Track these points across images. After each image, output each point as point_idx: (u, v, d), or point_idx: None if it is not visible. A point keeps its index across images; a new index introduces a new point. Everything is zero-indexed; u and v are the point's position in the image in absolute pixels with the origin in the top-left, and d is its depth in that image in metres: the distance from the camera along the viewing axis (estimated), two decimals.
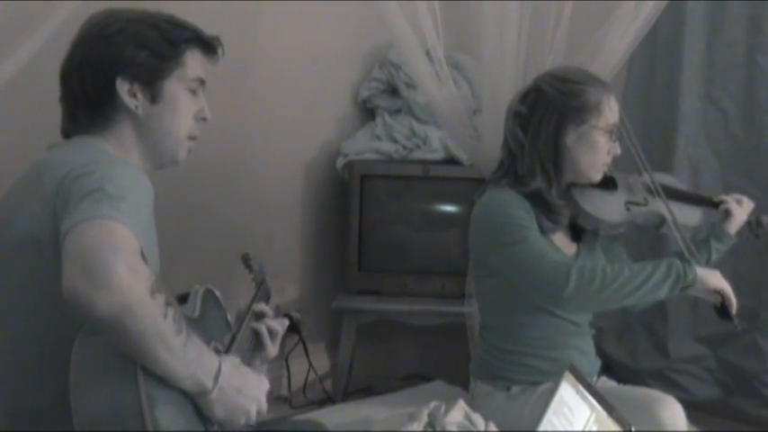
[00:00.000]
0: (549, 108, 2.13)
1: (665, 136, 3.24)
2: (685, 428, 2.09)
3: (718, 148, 3.17)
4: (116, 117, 1.62)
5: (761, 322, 2.99)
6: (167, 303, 1.32)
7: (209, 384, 1.39)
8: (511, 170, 2.17)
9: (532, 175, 2.13)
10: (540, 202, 2.13)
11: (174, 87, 1.64)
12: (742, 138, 3.13)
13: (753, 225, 2.34)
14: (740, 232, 2.35)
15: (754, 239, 2.40)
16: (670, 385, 3.10)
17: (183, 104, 1.66)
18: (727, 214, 2.31)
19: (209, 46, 1.69)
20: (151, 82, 1.62)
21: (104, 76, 1.60)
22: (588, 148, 2.14)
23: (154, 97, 1.63)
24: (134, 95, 1.61)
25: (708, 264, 2.28)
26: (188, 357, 1.35)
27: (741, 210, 2.32)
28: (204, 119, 1.71)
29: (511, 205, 2.10)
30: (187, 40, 1.66)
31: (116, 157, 1.59)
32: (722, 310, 2.07)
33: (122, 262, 1.27)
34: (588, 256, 2.24)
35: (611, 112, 2.15)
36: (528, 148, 2.14)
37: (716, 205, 2.34)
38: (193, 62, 1.67)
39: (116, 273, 1.26)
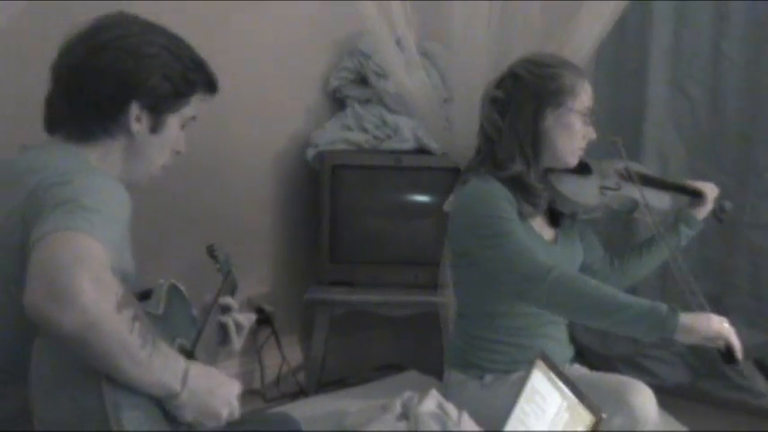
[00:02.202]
0: (526, 92, 2.14)
1: (633, 123, 3.26)
2: (656, 414, 2.10)
3: (686, 134, 3.19)
4: (112, 132, 1.63)
5: (726, 307, 3.02)
6: (134, 318, 1.31)
7: (177, 387, 1.38)
8: (489, 156, 2.18)
9: (512, 159, 2.14)
10: (519, 187, 2.14)
11: (174, 123, 1.68)
12: (709, 124, 3.15)
13: (716, 210, 2.37)
14: (706, 218, 2.38)
15: (718, 224, 2.43)
16: (640, 370, 3.13)
17: (173, 139, 1.70)
18: (696, 200, 2.34)
19: (213, 89, 1.72)
20: (159, 114, 1.64)
21: (122, 94, 1.60)
22: (565, 130, 2.15)
23: (155, 128, 1.65)
24: (139, 120, 1.62)
25: (677, 248, 2.30)
26: (154, 367, 1.34)
27: (708, 195, 2.35)
28: (178, 152, 1.74)
29: (495, 197, 2.11)
30: (202, 83, 1.69)
31: (96, 169, 1.59)
32: (726, 355, 1.94)
33: (88, 276, 1.26)
34: (566, 241, 2.27)
35: (586, 95, 2.17)
36: (506, 132, 2.15)
37: (685, 190, 2.37)
38: (195, 102, 1.70)
39: (81, 289, 1.25)
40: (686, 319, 1.90)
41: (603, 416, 1.56)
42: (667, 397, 2.14)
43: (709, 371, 3.08)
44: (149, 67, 1.61)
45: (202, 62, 1.70)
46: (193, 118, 1.72)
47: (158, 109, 1.64)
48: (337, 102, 3.55)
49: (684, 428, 2.34)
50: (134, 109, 1.61)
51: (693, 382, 3.11)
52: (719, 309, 2.98)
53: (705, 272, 3.05)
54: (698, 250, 2.93)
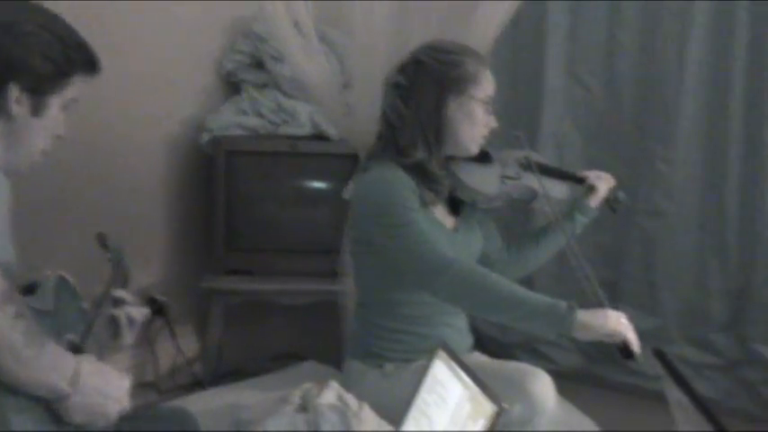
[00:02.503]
0: (429, 78, 2.13)
1: (531, 112, 3.29)
2: (554, 401, 2.12)
3: (582, 123, 3.24)
4: None
5: (619, 293, 3.09)
6: (17, 315, 1.26)
7: (67, 389, 1.33)
8: (391, 143, 2.16)
9: (414, 146, 2.13)
10: (421, 174, 2.13)
11: (56, 104, 1.60)
12: (604, 113, 3.20)
13: (611, 200, 2.41)
14: (600, 206, 2.42)
15: (612, 213, 2.48)
16: (537, 356, 3.17)
17: (54, 122, 1.61)
18: (591, 189, 2.38)
19: (95, 69, 1.65)
20: (41, 95, 1.56)
21: (0, 75, 1.52)
22: (467, 118, 2.15)
23: (36, 110, 1.57)
24: (19, 103, 1.54)
25: (572, 236, 2.32)
26: (41, 367, 1.29)
27: (602, 185, 2.39)
28: (59, 136, 1.65)
29: (398, 185, 2.09)
30: (83, 63, 1.61)
31: None
32: (623, 350, 1.94)
33: None
34: (466, 230, 2.26)
35: (488, 83, 2.17)
36: (409, 119, 2.13)
37: (581, 180, 2.40)
38: (77, 82, 1.62)
39: None
40: (584, 316, 1.92)
41: (505, 406, 1.56)
42: (562, 382, 2.16)
43: (603, 355, 3.14)
44: (28, 47, 1.53)
45: (83, 41, 1.63)
46: (75, 100, 1.65)
47: (39, 90, 1.56)
48: (232, 86, 3.48)
49: (581, 414, 2.37)
50: (13, 91, 1.53)
51: (587, 366, 3.17)
52: (614, 295, 3.07)
53: (599, 258, 3.11)
54: (592, 237, 2.98)
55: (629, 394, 3.10)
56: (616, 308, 1.97)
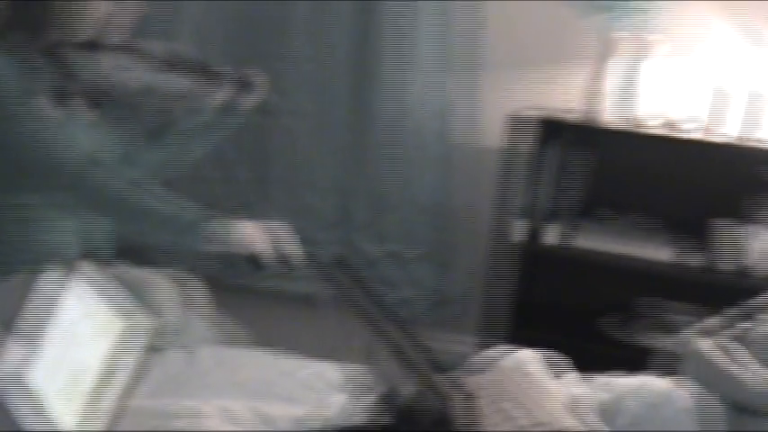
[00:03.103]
0: None
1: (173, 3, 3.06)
2: (178, 307, 2.06)
3: (225, 17, 3.09)
4: None
5: (263, 192, 3.07)
6: None
7: None
8: None
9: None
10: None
11: None
12: (247, 11, 3.07)
13: (262, 104, 2.30)
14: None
15: (262, 117, 2.38)
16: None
17: None
18: (249, 86, 2.23)
19: None
20: None
21: None
22: None
23: None
24: None
25: (221, 138, 2.20)
26: None
27: (257, 85, 2.24)
28: None
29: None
30: None
31: None
32: (253, 262, 1.89)
33: None
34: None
35: None
36: None
37: (235, 77, 2.24)
38: None
39: None
40: (213, 227, 1.84)
41: (161, 320, 1.48)
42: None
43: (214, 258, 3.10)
44: None
45: None
46: None
47: None
48: None
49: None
50: None
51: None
52: (257, 193, 3.00)
53: (243, 158, 3.04)
54: (237, 136, 2.90)
55: (236, 293, 3.10)
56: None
